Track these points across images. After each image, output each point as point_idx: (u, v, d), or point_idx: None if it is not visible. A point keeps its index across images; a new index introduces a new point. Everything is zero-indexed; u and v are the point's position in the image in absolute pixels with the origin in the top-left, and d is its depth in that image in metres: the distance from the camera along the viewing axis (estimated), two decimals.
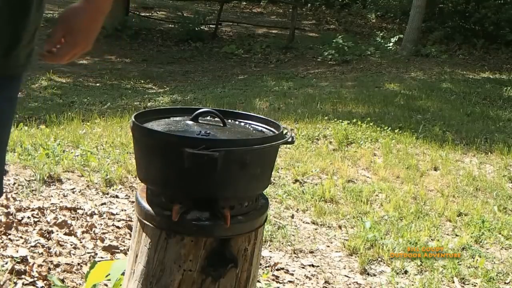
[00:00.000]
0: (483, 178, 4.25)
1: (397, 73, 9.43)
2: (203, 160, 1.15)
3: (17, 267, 2.20)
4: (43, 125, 4.76)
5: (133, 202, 3.07)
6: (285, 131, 1.36)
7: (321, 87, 8.18)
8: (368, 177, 4.11)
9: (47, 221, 2.69)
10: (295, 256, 2.80)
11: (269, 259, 2.72)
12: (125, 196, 3.21)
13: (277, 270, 2.62)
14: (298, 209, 3.39)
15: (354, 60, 10.83)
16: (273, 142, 1.28)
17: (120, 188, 3.30)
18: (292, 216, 3.28)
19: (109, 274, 1.73)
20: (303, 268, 2.69)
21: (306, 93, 7.65)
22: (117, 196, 3.19)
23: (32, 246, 2.42)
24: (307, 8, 16.91)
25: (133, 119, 1.31)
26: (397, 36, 11.90)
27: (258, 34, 13.51)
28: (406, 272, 2.75)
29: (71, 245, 2.51)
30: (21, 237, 2.49)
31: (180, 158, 1.16)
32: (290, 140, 1.33)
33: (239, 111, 1.55)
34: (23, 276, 2.17)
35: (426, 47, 11.45)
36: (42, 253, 2.38)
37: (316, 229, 3.16)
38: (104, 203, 3.05)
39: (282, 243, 2.90)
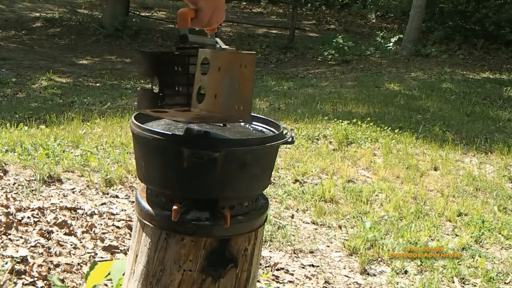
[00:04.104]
0: (483, 178, 4.24)
1: (397, 73, 9.43)
2: (203, 160, 1.15)
3: (17, 267, 2.20)
4: (43, 125, 4.75)
5: (133, 202, 3.07)
6: (285, 131, 1.36)
7: (321, 87, 8.18)
8: (368, 177, 4.11)
9: (47, 221, 2.69)
10: (295, 256, 2.80)
11: (269, 259, 2.72)
12: (125, 196, 3.21)
13: (277, 270, 2.62)
14: (298, 209, 3.39)
15: (354, 60, 10.83)
16: (273, 142, 1.27)
17: (120, 188, 3.29)
18: (292, 216, 3.28)
19: (109, 274, 1.72)
20: (303, 268, 2.69)
21: (306, 93, 7.65)
22: (117, 196, 3.18)
23: (32, 246, 2.42)
24: (307, 8, 16.91)
25: (133, 119, 1.31)
26: (397, 36, 11.90)
27: (258, 34, 13.51)
28: (406, 272, 2.75)
29: (71, 245, 2.50)
30: (21, 237, 2.49)
31: (180, 158, 1.16)
32: (290, 140, 1.32)
33: None
34: (23, 276, 2.16)
35: (426, 47, 11.45)
36: (42, 253, 2.37)
37: (316, 229, 3.16)
38: (104, 203, 3.05)
39: (282, 243, 2.90)
